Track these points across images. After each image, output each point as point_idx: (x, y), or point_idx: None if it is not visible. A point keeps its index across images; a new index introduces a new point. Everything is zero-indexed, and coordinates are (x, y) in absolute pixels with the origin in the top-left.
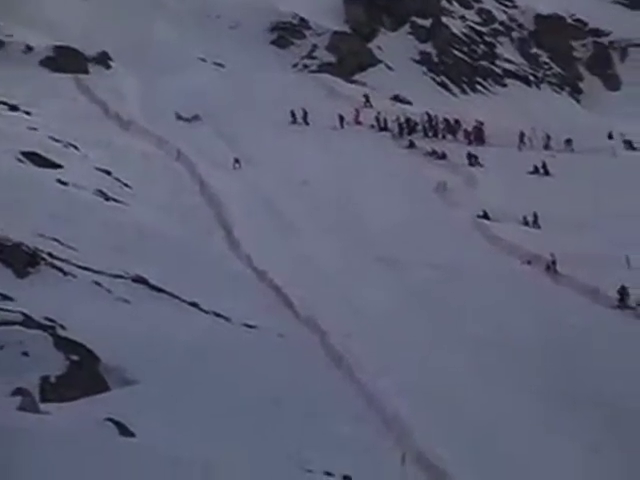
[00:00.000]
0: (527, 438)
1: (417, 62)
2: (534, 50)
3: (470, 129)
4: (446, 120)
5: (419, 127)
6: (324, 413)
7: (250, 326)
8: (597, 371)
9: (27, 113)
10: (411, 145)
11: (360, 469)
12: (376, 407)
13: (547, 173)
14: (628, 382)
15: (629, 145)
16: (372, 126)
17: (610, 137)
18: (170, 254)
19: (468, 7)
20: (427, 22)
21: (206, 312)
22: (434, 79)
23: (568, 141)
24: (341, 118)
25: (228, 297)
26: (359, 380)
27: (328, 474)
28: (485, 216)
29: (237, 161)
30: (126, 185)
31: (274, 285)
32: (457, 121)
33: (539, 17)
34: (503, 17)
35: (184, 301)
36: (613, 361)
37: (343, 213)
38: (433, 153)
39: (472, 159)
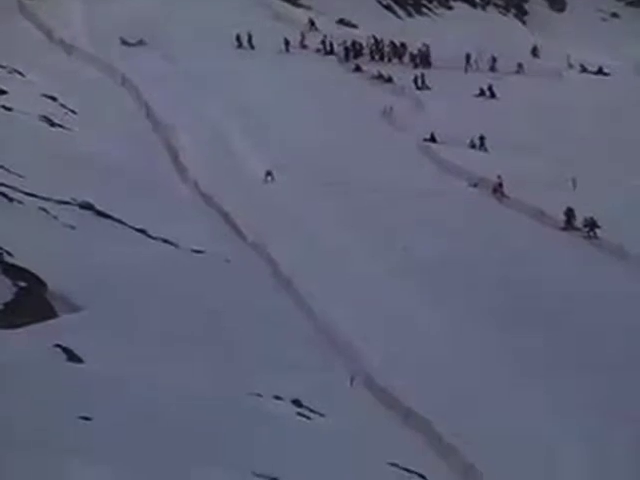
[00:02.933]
0: (474, 355)
1: None
2: None
3: (416, 52)
4: (392, 43)
5: (365, 51)
6: (273, 338)
7: (198, 252)
8: (543, 291)
9: None
10: (357, 69)
11: (309, 393)
12: (325, 331)
13: (493, 96)
14: (572, 301)
15: (582, 68)
16: (318, 50)
17: (567, 62)
18: (116, 180)
19: None
20: None
21: (153, 238)
22: (380, 2)
23: (516, 64)
24: (287, 42)
25: (175, 223)
26: (308, 305)
27: (277, 398)
28: (432, 139)
29: None
30: (71, 111)
31: (222, 211)
32: (403, 44)
33: None
34: None
35: (131, 227)
36: (558, 282)
37: (290, 139)
38: (379, 77)
39: (418, 82)
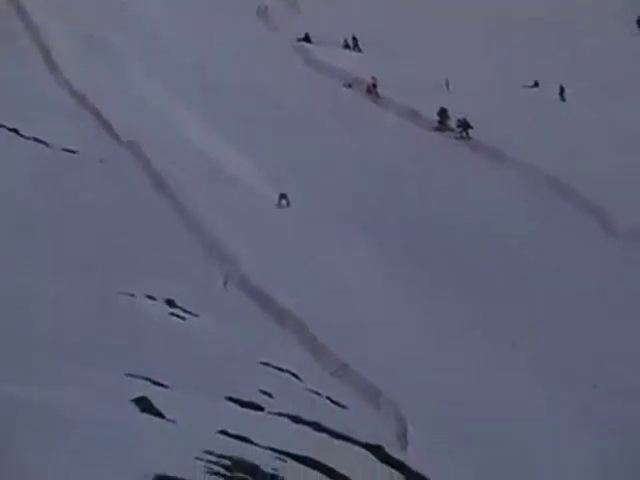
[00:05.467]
0: (348, 257)
1: None
2: None
3: None
4: None
5: None
6: (147, 238)
7: (70, 151)
8: (422, 190)
9: None
10: None
11: (183, 293)
12: (200, 233)
13: None
14: (451, 199)
15: None
16: None
17: None
18: None
19: None
20: None
21: (26, 138)
22: None
23: None
24: None
25: (48, 122)
26: (183, 206)
27: (150, 298)
28: (306, 39)
29: None
30: None
31: (95, 110)
32: None
33: None
34: None
35: (2, 126)
36: (435, 181)
37: (164, 36)
38: None
39: None
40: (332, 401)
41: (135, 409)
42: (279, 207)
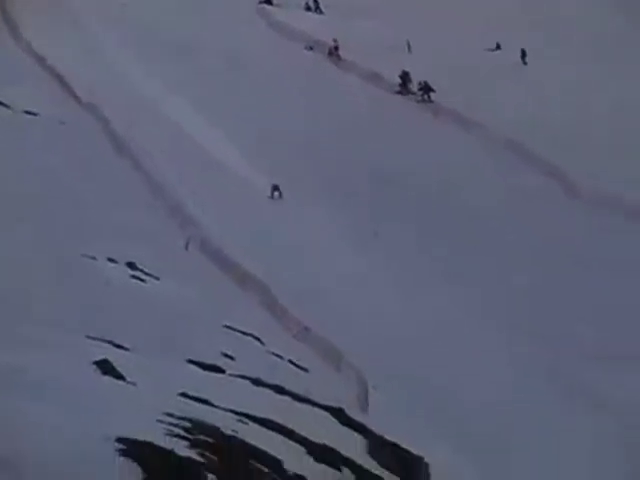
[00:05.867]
0: (306, 218)
1: None
2: None
3: None
4: None
5: None
6: (109, 200)
7: (31, 113)
8: (384, 153)
9: None
10: None
11: (144, 255)
12: (161, 196)
13: None
14: (413, 162)
15: None
16: None
17: None
18: None
19: None
20: None
21: None
22: None
23: None
24: None
25: (9, 85)
26: (144, 168)
27: (111, 261)
28: (268, 1)
29: None
30: None
31: (56, 73)
32: None
33: None
34: None
35: None
36: (397, 144)
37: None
38: None
39: None
40: (294, 364)
41: (97, 372)
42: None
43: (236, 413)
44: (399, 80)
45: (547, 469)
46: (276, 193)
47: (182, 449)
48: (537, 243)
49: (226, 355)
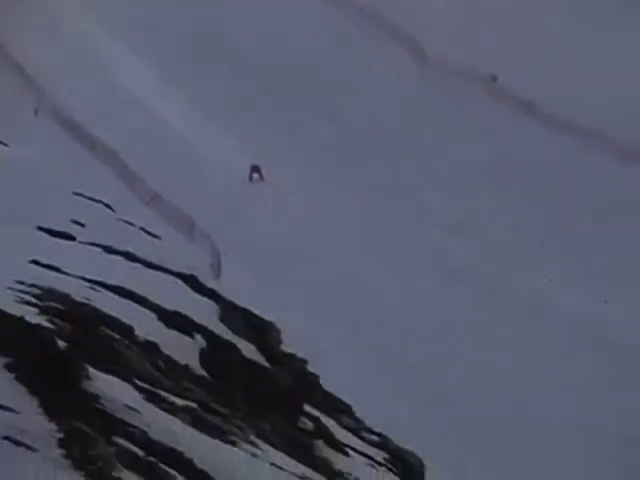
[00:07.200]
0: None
1: None
2: None
3: None
4: None
5: None
6: None
7: None
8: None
9: None
10: None
11: None
12: (14, 64)
13: None
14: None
15: None
16: None
17: None
18: None
19: None
20: None
21: None
22: None
23: None
24: None
25: None
26: None
27: None
28: None
29: None
30: None
31: None
32: None
33: None
34: None
35: None
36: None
37: None
38: None
39: None
40: (146, 231)
41: None
42: None
43: (87, 280)
44: None
45: (397, 320)
46: None
47: (33, 316)
48: (385, 107)
49: (76, 222)
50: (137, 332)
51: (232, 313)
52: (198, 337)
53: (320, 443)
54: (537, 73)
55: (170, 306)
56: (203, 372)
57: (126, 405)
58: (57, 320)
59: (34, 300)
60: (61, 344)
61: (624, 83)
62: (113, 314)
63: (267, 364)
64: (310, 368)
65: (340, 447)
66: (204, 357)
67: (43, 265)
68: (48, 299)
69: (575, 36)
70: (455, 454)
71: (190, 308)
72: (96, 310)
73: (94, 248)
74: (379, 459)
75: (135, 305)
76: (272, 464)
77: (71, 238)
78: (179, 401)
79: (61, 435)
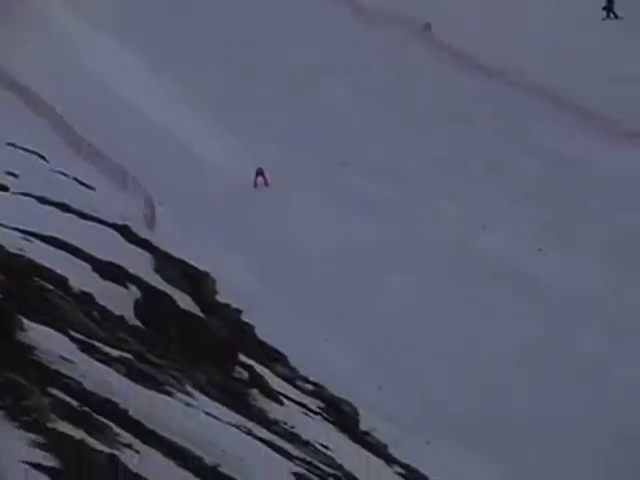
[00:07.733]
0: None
1: None
2: None
3: None
4: None
5: None
6: None
7: None
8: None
9: None
10: None
11: None
12: None
13: None
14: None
15: None
16: None
17: None
18: None
19: None
20: None
21: None
22: None
23: None
24: None
25: None
26: None
27: None
28: None
29: None
30: None
31: None
32: None
33: None
34: None
35: None
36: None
37: None
38: None
39: None
40: (80, 182)
41: None
42: None
43: (21, 231)
44: None
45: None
46: None
47: None
48: (325, 54)
49: (9, 173)
50: (71, 283)
51: (167, 263)
52: (133, 288)
53: (255, 392)
54: (472, 26)
55: (104, 257)
56: (138, 323)
57: (61, 356)
58: None
59: None
60: None
61: (549, 31)
62: (47, 265)
63: (202, 314)
64: (245, 318)
65: (275, 396)
66: (139, 308)
67: None
68: None
69: None
70: (389, 403)
71: (125, 259)
72: (30, 261)
73: (28, 199)
74: (314, 407)
75: (69, 256)
76: (207, 413)
77: (4, 189)
78: (114, 352)
79: None
